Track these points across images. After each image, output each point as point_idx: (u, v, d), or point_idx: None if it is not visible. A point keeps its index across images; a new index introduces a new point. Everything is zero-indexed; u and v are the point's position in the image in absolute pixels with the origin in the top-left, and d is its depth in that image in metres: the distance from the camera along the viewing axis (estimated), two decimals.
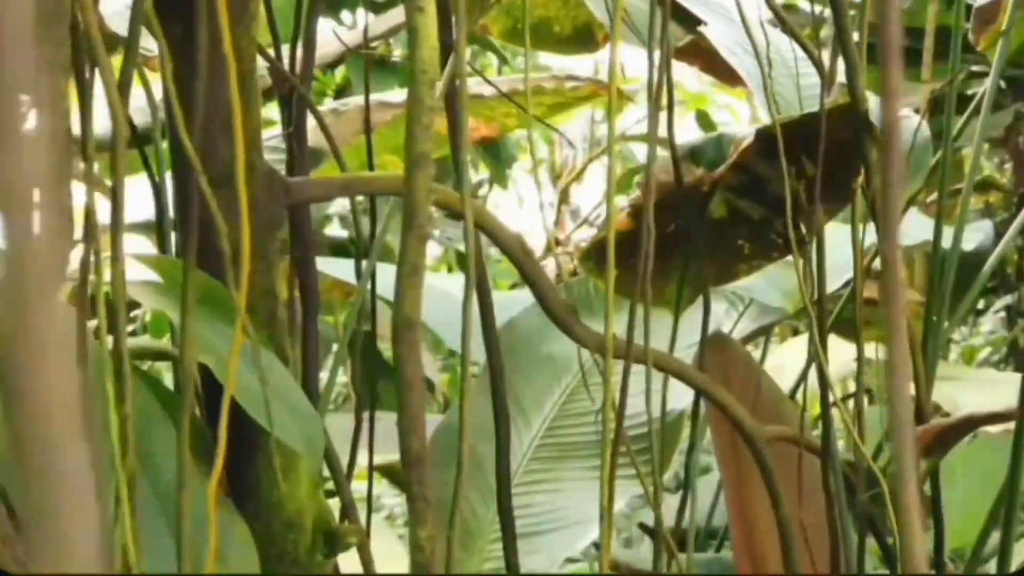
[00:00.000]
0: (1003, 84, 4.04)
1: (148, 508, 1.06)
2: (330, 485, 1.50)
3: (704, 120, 4.43)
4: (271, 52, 1.58)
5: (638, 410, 1.94)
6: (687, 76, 4.02)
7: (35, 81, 0.36)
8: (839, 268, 1.75)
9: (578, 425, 1.98)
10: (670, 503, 1.95)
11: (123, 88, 0.89)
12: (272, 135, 1.80)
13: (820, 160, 1.35)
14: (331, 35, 3.22)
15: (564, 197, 5.20)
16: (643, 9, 1.62)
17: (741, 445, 1.56)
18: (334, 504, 1.46)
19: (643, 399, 1.94)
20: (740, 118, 5.31)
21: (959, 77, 1.79)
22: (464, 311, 0.89)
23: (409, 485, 0.85)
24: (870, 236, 1.47)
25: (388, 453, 2.08)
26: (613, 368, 1.09)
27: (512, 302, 2.10)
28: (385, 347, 4.04)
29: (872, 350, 1.59)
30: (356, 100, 2.32)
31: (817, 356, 1.56)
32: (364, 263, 1.59)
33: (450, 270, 4.75)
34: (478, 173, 4.86)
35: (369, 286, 1.63)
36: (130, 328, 3.50)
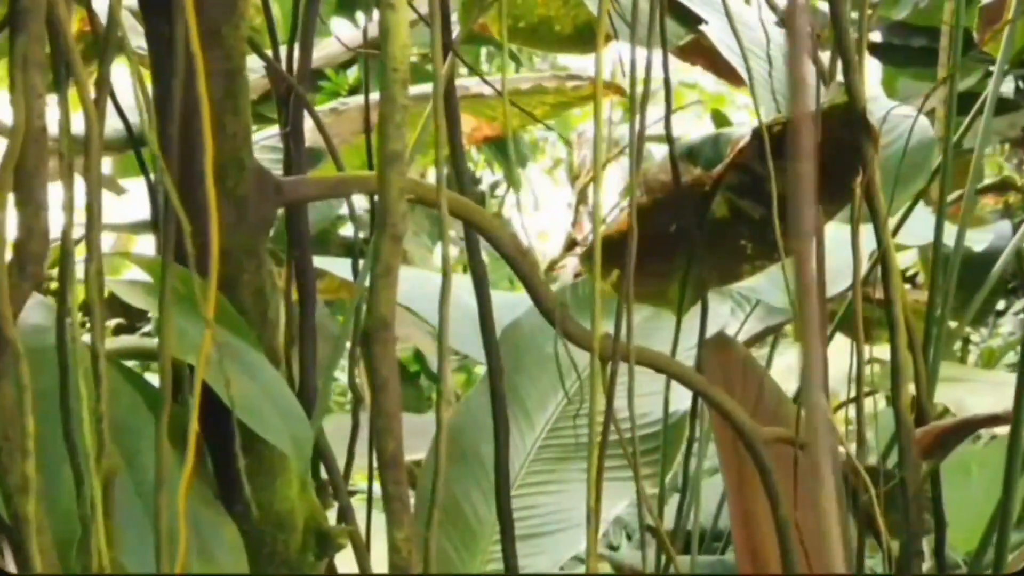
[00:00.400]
0: (1023, 84, 4.01)
1: (132, 507, 1.05)
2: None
3: (721, 120, 4.41)
4: (276, 52, 1.58)
5: (643, 411, 1.94)
6: (705, 76, 4.00)
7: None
8: (847, 269, 1.73)
9: (582, 425, 1.97)
10: (676, 504, 1.94)
11: (100, 86, 0.89)
12: (271, 134, 1.80)
13: (816, 159, 1.34)
14: (346, 35, 3.22)
15: (582, 197, 5.20)
16: (642, 8, 1.61)
17: (743, 447, 1.55)
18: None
19: (648, 400, 1.94)
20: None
21: (975, 77, 1.77)
22: (441, 309, 0.89)
23: (384, 486, 0.85)
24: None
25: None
26: (598, 367, 1.08)
27: (522, 302, 2.10)
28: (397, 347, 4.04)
29: (884, 351, 1.58)
30: (356, 100, 2.31)
31: (819, 357, 1.55)
32: (361, 262, 1.59)
33: (465, 271, 4.74)
34: (494, 173, 4.86)
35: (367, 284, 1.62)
36: (147, 328, 3.51)
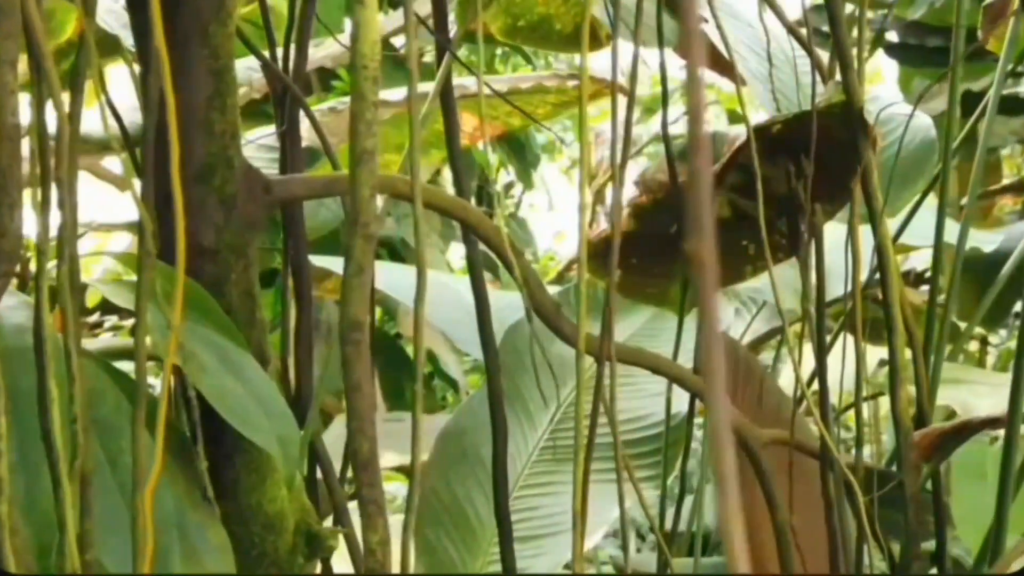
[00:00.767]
0: None
1: (115, 508, 1.05)
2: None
3: (737, 121, 4.39)
4: (273, 51, 1.58)
5: (646, 412, 1.93)
6: (723, 77, 3.98)
7: None
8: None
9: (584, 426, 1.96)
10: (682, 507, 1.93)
11: (74, 85, 0.88)
12: (269, 133, 1.79)
13: (812, 157, 1.33)
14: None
15: (599, 197, 5.17)
16: (645, 8, 1.60)
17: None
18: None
19: (651, 401, 1.93)
20: None
21: (991, 77, 1.75)
22: (416, 306, 0.88)
23: (358, 489, 0.84)
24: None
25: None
26: (585, 367, 1.07)
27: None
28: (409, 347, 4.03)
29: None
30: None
31: (819, 358, 1.54)
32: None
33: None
34: (509, 174, 4.84)
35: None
36: None
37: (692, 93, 0.37)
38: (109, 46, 1.67)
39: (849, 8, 1.64)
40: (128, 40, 1.49)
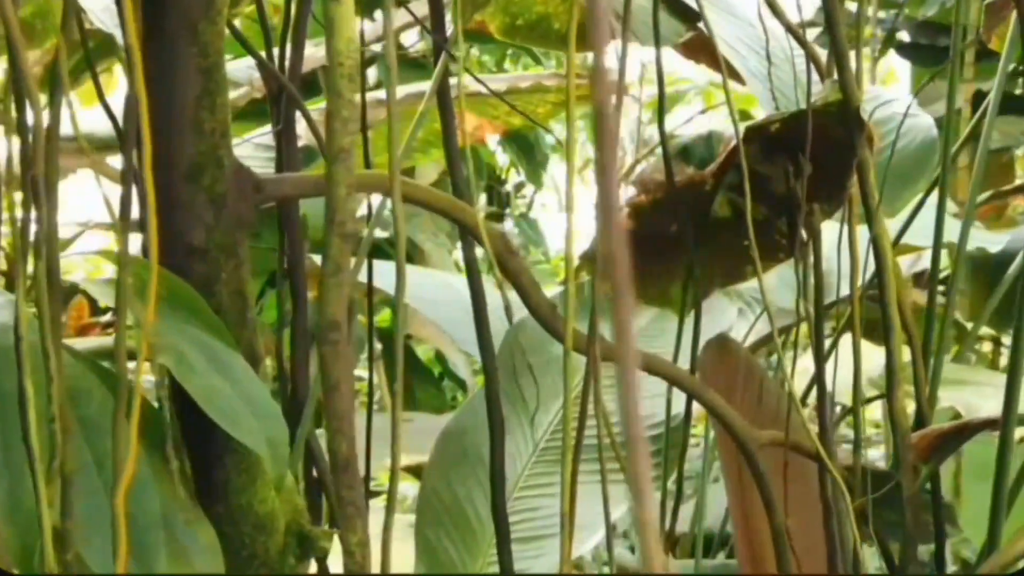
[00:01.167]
0: None
1: (102, 509, 1.04)
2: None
3: (746, 120, 4.38)
4: (269, 51, 1.57)
5: (646, 412, 1.91)
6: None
7: None
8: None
9: (586, 427, 1.95)
10: (685, 508, 1.92)
11: (55, 84, 0.88)
12: (266, 132, 1.79)
13: (807, 156, 1.32)
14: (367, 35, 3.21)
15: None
16: (643, 5, 1.60)
17: None
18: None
19: (652, 401, 1.92)
20: None
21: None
22: (396, 298, 0.87)
23: (337, 489, 0.83)
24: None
25: (423, 454, 2.07)
26: (577, 369, 1.06)
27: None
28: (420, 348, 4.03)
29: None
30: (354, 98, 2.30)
31: (818, 358, 1.53)
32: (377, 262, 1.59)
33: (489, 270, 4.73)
34: (519, 174, 4.84)
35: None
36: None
37: (596, 85, 0.37)
38: (109, 46, 1.67)
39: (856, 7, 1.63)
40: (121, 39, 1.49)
